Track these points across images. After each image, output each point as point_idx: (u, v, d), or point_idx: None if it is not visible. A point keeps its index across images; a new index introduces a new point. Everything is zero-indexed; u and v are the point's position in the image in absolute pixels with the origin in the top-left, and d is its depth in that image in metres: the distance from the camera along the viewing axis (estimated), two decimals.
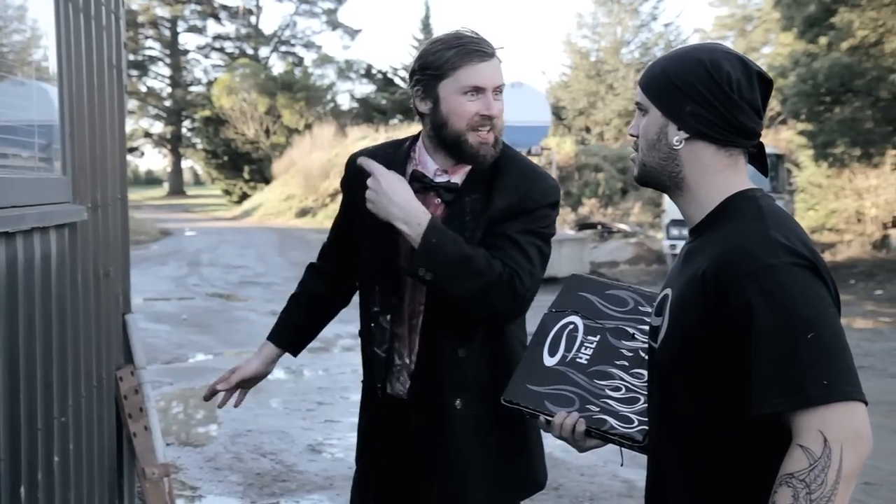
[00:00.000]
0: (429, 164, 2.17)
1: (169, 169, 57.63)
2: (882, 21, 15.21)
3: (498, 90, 2.10)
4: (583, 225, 21.04)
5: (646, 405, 1.71)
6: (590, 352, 1.87)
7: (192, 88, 52.53)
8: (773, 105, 17.77)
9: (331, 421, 6.63)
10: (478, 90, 2.07)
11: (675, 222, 14.88)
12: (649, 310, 1.87)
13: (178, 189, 53.93)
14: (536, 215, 2.11)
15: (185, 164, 57.86)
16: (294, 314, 2.41)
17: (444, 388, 2.13)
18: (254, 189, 38.41)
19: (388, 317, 2.18)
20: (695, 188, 1.56)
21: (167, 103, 53.35)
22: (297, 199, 32.13)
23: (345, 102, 48.22)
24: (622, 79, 38.78)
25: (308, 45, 52.81)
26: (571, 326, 1.92)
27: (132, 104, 49.54)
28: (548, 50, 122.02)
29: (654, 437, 1.62)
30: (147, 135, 55.18)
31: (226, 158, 39.81)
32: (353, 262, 2.30)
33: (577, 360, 1.86)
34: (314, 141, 33.94)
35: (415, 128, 2.28)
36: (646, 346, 1.77)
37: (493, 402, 2.05)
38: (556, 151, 21.20)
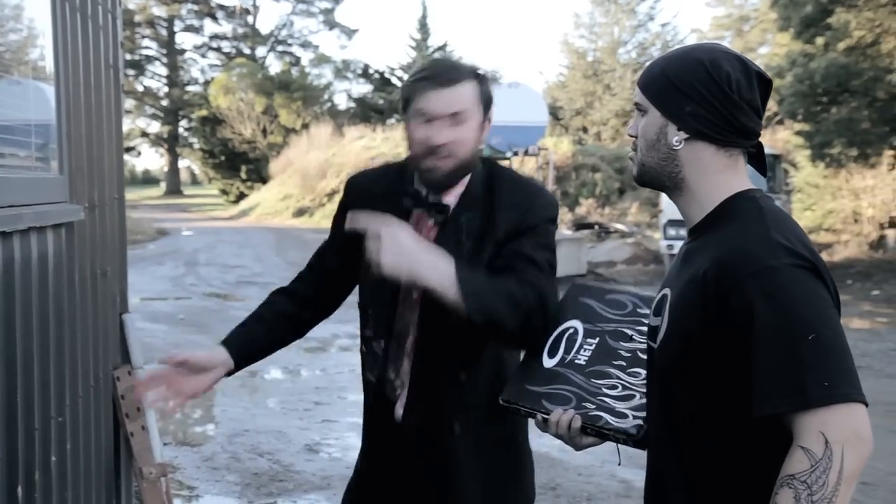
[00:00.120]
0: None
1: (166, 168, 57.62)
2: (879, 21, 15.24)
3: (455, 118, 2.04)
4: (580, 225, 21.07)
5: (641, 401, 1.72)
6: (588, 353, 1.88)
7: (189, 88, 52.55)
8: (770, 105, 17.70)
9: (328, 421, 6.63)
10: (428, 119, 2.05)
11: (672, 222, 14.89)
12: (647, 311, 1.88)
13: (174, 189, 53.90)
14: (540, 231, 2.10)
15: (182, 163, 57.90)
16: (257, 331, 2.25)
17: (443, 413, 2.11)
18: (251, 189, 38.40)
19: (382, 342, 2.15)
20: (694, 188, 1.56)
21: (164, 103, 53.35)
22: (294, 198, 32.12)
23: (342, 102, 48.40)
24: (619, 79, 38.85)
25: (305, 45, 52.87)
26: (571, 331, 1.94)
27: (129, 103, 49.53)
28: (545, 50, 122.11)
29: (653, 437, 1.62)
30: (144, 134, 55.16)
31: (223, 158, 39.80)
32: (335, 286, 2.27)
33: (576, 361, 1.88)
34: (311, 141, 33.93)
35: None
36: (643, 346, 1.78)
37: (491, 424, 2.07)
38: (553, 151, 21.21)
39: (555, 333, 1.95)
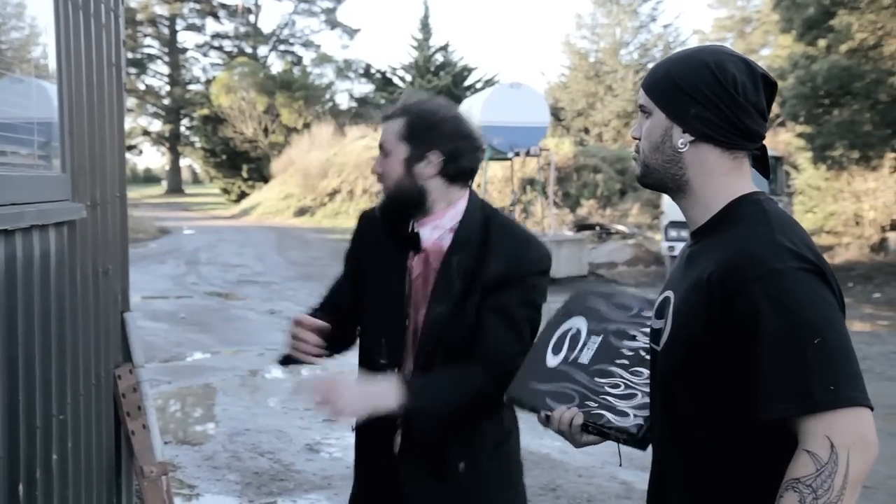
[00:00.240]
0: None
1: (167, 167, 57.65)
2: (881, 24, 15.23)
3: (382, 150, 2.18)
4: (581, 226, 21.05)
5: (643, 400, 1.72)
6: (591, 352, 1.89)
7: (191, 87, 52.58)
8: (772, 107, 17.73)
9: (329, 420, 6.63)
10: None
11: (673, 224, 14.89)
12: (651, 314, 1.88)
13: (176, 187, 53.93)
14: (528, 284, 2.11)
15: (184, 162, 57.93)
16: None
17: (449, 450, 2.11)
18: (252, 188, 38.39)
19: (396, 370, 2.14)
20: (698, 191, 1.55)
21: (166, 101, 53.37)
22: (295, 198, 32.10)
23: (343, 102, 48.21)
24: (621, 80, 38.82)
25: (307, 45, 52.89)
26: (575, 330, 1.95)
27: (131, 102, 49.54)
28: (547, 50, 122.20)
29: (656, 439, 1.61)
30: (146, 133, 55.21)
31: (224, 157, 39.79)
32: (349, 318, 2.27)
33: (579, 359, 1.89)
34: (313, 140, 33.92)
35: None
36: (646, 346, 1.78)
37: (494, 459, 2.11)
38: (554, 152, 21.19)
39: (559, 332, 1.96)
